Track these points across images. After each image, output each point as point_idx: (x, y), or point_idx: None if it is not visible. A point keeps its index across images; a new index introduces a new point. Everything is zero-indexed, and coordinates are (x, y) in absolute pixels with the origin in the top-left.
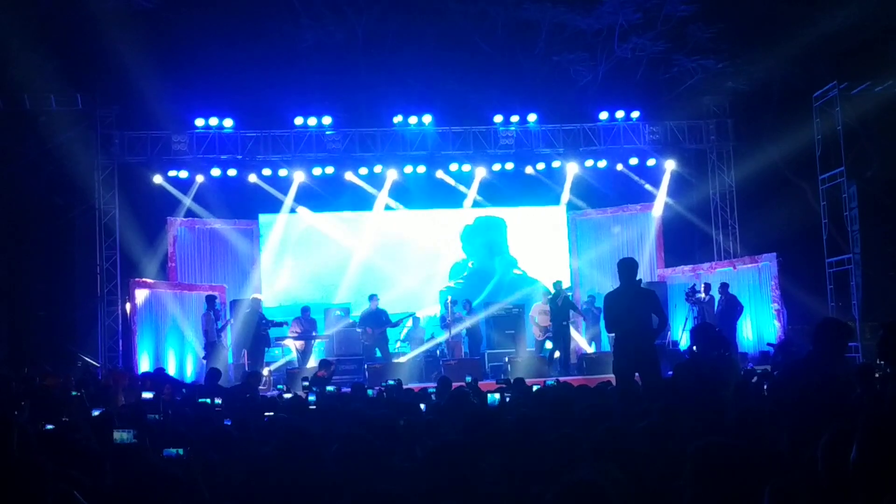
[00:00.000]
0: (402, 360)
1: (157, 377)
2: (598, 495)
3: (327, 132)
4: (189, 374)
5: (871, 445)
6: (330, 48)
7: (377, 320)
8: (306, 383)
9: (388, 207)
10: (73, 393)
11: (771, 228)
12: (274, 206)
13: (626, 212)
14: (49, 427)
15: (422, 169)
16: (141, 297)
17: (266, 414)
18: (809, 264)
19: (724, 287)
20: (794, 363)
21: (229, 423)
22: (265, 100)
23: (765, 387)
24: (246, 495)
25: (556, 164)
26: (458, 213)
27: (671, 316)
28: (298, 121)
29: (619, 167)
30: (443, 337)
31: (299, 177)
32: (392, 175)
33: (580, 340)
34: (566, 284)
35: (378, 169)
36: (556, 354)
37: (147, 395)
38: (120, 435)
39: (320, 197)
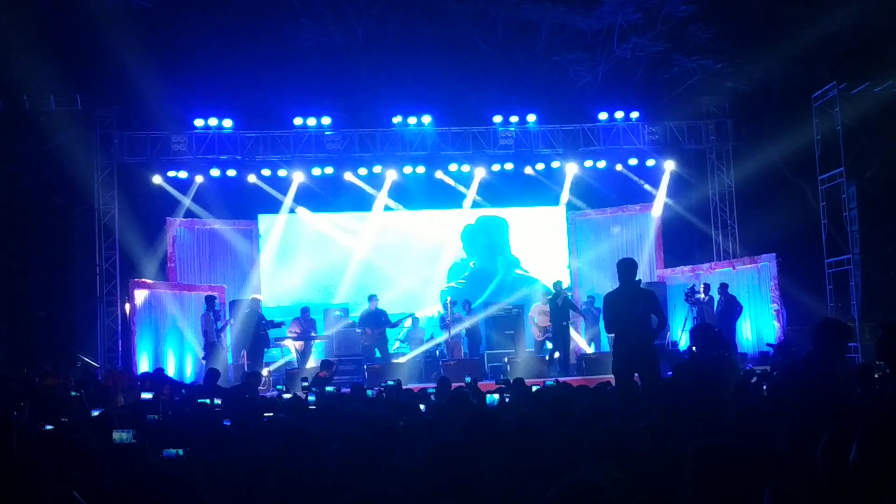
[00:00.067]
0: (401, 360)
1: (157, 378)
2: (598, 495)
3: (327, 132)
4: (188, 374)
5: (871, 445)
6: (330, 48)
7: (376, 321)
8: (305, 384)
9: (387, 208)
10: (73, 393)
11: (770, 229)
12: (273, 207)
13: (626, 212)
14: (49, 427)
15: (421, 169)
16: (140, 297)
17: (266, 414)
18: (809, 264)
19: (723, 287)
20: (794, 363)
21: (229, 424)
22: (265, 100)
23: (764, 387)
24: (246, 495)
25: (555, 164)
26: (458, 213)
27: (671, 316)
28: (298, 121)
29: (619, 167)
30: (442, 337)
31: (299, 177)
32: (391, 175)
33: (580, 341)
34: (565, 285)
35: (377, 169)
36: (556, 355)
37: (146, 395)
38: (120, 435)
39: (320, 197)
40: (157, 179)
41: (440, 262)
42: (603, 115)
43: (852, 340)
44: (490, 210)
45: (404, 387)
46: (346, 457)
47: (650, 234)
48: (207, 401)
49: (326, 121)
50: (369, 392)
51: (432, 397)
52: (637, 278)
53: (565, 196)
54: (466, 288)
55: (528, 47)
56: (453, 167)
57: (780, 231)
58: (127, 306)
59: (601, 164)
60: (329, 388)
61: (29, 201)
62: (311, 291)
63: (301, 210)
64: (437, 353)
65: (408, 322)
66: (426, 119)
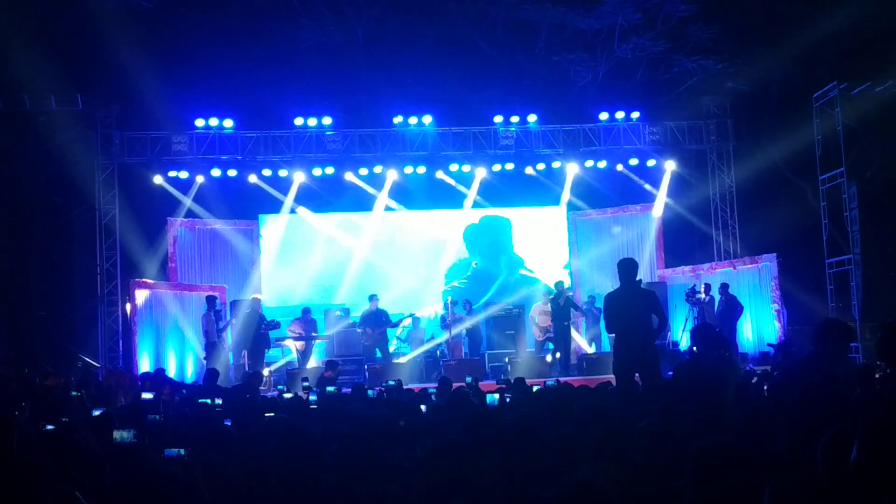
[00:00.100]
0: (402, 360)
1: (157, 378)
2: (598, 495)
3: (327, 132)
4: (189, 374)
5: (871, 445)
6: (330, 48)
7: (377, 321)
8: (306, 384)
9: (388, 208)
10: (73, 393)
11: (771, 229)
12: (274, 207)
13: (627, 212)
14: (49, 427)
15: (422, 169)
16: (141, 297)
17: (267, 415)
18: (809, 265)
19: (724, 287)
20: (795, 363)
21: (229, 424)
22: (265, 100)
23: (765, 387)
24: (246, 495)
25: (556, 164)
26: (459, 213)
27: (671, 316)
28: (298, 121)
29: (619, 168)
30: (443, 337)
31: (299, 177)
32: (392, 175)
33: (580, 341)
34: (566, 285)
35: (378, 169)
36: (558, 355)
37: (147, 395)
38: (120, 435)
39: (320, 197)
40: (157, 179)
41: (440, 263)
42: (603, 116)
43: (854, 341)
44: (491, 210)
45: (405, 387)
46: (346, 457)
47: (651, 234)
48: (208, 401)
49: (327, 121)
50: (370, 392)
51: (433, 397)
52: (638, 278)
53: (566, 196)
54: (469, 287)
55: (528, 47)
56: (454, 167)
57: (781, 231)
58: (128, 306)
59: (602, 164)
60: (330, 388)
61: (29, 201)
62: (312, 291)
63: (302, 210)
64: (438, 353)
65: (405, 321)
66: (427, 119)
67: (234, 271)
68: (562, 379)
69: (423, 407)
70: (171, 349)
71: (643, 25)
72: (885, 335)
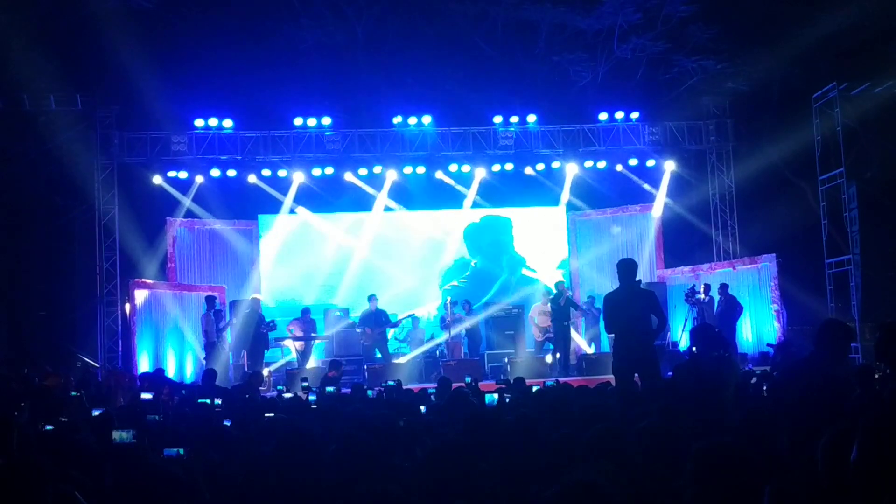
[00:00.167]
0: (401, 360)
1: (156, 378)
2: (597, 495)
3: (327, 133)
4: (189, 374)
5: (871, 445)
6: (330, 48)
7: (377, 321)
8: (306, 384)
9: (387, 208)
10: (73, 393)
11: (771, 229)
12: (273, 207)
13: (626, 212)
14: (49, 427)
15: (421, 170)
16: (140, 297)
17: (267, 415)
18: (809, 265)
19: (723, 288)
20: (795, 364)
21: (229, 424)
22: (265, 100)
23: (764, 387)
24: (246, 495)
25: (555, 164)
26: (458, 213)
27: (671, 317)
28: (298, 121)
29: (619, 168)
30: (442, 338)
31: (299, 177)
32: (391, 176)
33: (580, 341)
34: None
35: (378, 169)
36: (557, 355)
37: (146, 395)
38: (120, 435)
39: (320, 197)
40: (157, 179)
41: (440, 263)
42: (603, 116)
43: (854, 341)
44: (491, 210)
45: (404, 387)
46: (345, 457)
47: (650, 235)
48: (207, 401)
49: (326, 121)
50: (370, 392)
51: (432, 398)
52: (637, 279)
53: (565, 196)
54: (468, 287)
55: (528, 47)
56: (453, 167)
57: (781, 231)
58: (127, 306)
59: (601, 164)
60: (329, 389)
61: (29, 201)
62: (312, 291)
63: (301, 210)
64: (438, 353)
65: (401, 316)
66: (426, 119)
67: (234, 271)
68: (561, 379)
69: (422, 408)
70: (171, 349)
71: (643, 25)
72: (884, 335)
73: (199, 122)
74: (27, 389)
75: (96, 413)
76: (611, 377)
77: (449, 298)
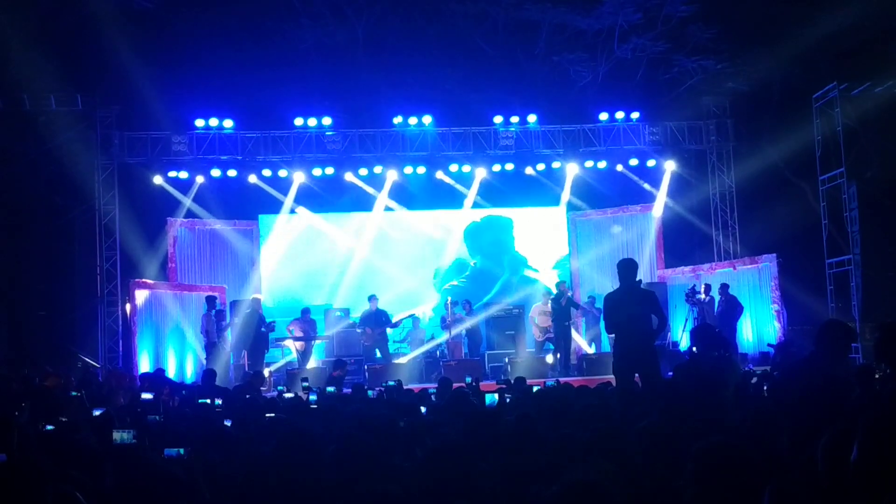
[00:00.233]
0: (402, 360)
1: (157, 378)
2: (597, 495)
3: (327, 133)
4: (189, 374)
5: (871, 445)
6: (330, 48)
7: (377, 321)
8: (306, 384)
9: (387, 208)
10: (73, 393)
11: (771, 229)
12: (274, 207)
13: (627, 212)
14: (49, 427)
15: (422, 170)
16: (141, 297)
17: (268, 415)
18: (809, 265)
19: (724, 288)
20: (795, 364)
21: (229, 424)
22: (265, 100)
23: (765, 387)
24: (246, 495)
25: (556, 164)
26: (459, 213)
27: (671, 317)
28: (298, 121)
29: (619, 168)
30: (443, 338)
31: (299, 177)
32: (392, 176)
33: (580, 341)
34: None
35: (378, 170)
36: (558, 355)
37: (146, 395)
38: (120, 435)
39: (320, 198)
40: (157, 180)
41: (440, 263)
42: (603, 116)
43: (855, 342)
44: (491, 210)
45: (405, 387)
46: (346, 457)
47: (651, 235)
48: (208, 401)
49: (327, 121)
50: (370, 392)
51: (433, 398)
52: (637, 279)
53: (566, 196)
54: (468, 287)
55: (528, 47)
56: (454, 167)
57: (781, 231)
58: (128, 306)
59: (602, 164)
60: (330, 389)
61: (29, 201)
62: (312, 292)
63: (301, 210)
64: (438, 353)
65: (398, 316)
66: (427, 119)
67: (234, 271)
68: (562, 379)
69: (423, 408)
70: (171, 349)
71: (643, 26)
72: (884, 335)
73: (199, 122)
74: (27, 389)
75: (97, 413)
76: (611, 377)
77: (449, 298)
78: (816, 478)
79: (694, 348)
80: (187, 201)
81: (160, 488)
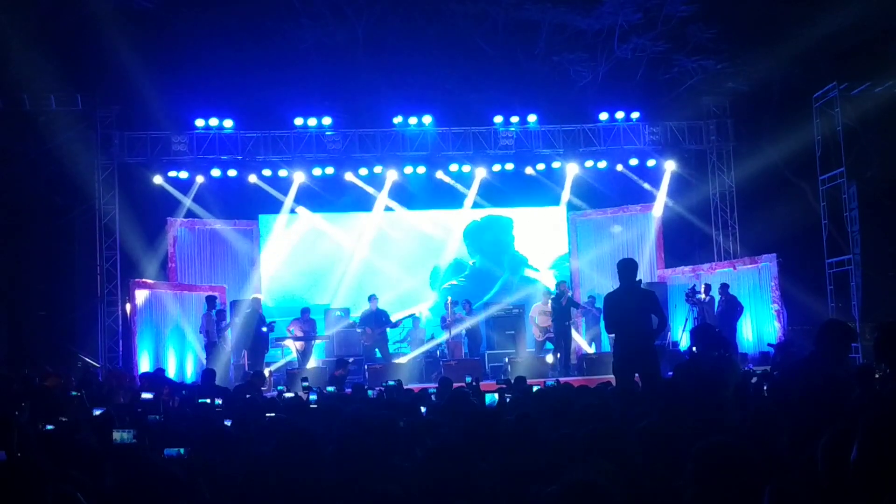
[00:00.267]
0: (402, 360)
1: (157, 378)
2: (597, 495)
3: (327, 133)
4: (189, 374)
5: (871, 445)
6: (330, 48)
7: (377, 321)
8: (306, 384)
9: (387, 208)
10: (73, 393)
11: (771, 229)
12: (274, 207)
13: (627, 212)
14: (49, 427)
15: (422, 169)
16: (141, 297)
17: (268, 415)
18: (809, 265)
19: (724, 288)
20: (795, 364)
21: (229, 424)
22: (265, 100)
23: (765, 387)
24: (246, 495)
25: (556, 164)
26: (459, 213)
27: (671, 316)
28: (298, 121)
29: (619, 168)
30: (443, 337)
31: (299, 177)
32: (392, 175)
33: (580, 341)
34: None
35: (378, 169)
36: (558, 355)
37: (146, 395)
38: (120, 435)
39: (320, 197)
40: (157, 179)
41: (440, 263)
42: (603, 116)
43: (855, 342)
44: (491, 210)
45: (405, 387)
46: (346, 457)
47: (651, 235)
48: (207, 400)
49: (327, 121)
50: (370, 392)
51: (433, 398)
52: (637, 278)
53: (566, 196)
54: (467, 287)
55: (528, 47)
56: (454, 167)
57: (781, 231)
58: (128, 306)
59: (602, 164)
60: (329, 388)
61: (29, 201)
62: (312, 291)
63: (301, 210)
64: (438, 353)
65: (397, 316)
66: (427, 119)
67: (234, 271)
68: (562, 379)
69: (422, 408)
70: (171, 349)
71: (643, 25)
72: (883, 335)
73: (199, 122)
74: (27, 389)
75: (97, 413)
76: (611, 377)
77: (449, 298)
78: (816, 478)
79: (694, 348)
80: (187, 201)
81: (160, 488)
